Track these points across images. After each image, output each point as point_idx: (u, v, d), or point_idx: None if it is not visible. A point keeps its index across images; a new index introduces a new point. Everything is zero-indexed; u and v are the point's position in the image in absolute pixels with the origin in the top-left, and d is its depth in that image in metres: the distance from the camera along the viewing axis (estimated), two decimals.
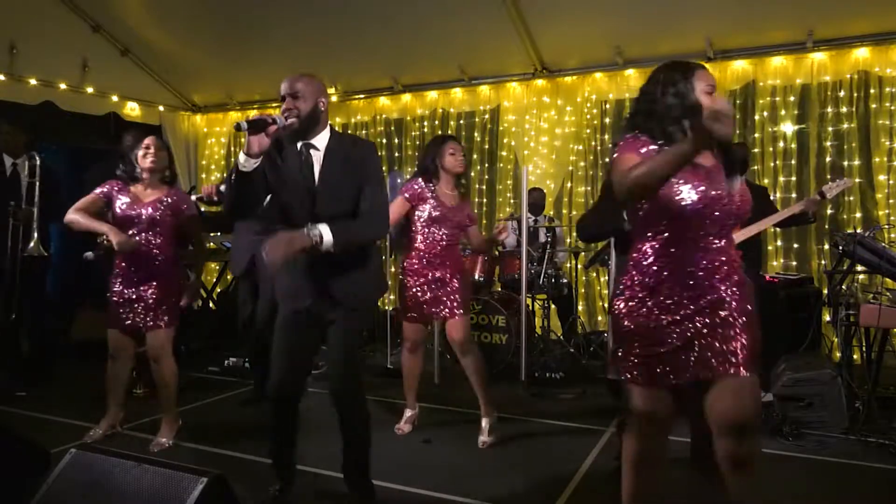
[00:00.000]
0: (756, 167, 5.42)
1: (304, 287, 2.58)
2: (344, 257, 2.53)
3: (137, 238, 3.42)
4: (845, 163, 5.21)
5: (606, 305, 5.72)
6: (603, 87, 5.95)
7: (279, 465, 2.80)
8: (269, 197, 2.58)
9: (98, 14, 5.98)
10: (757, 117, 5.47)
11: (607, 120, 6.07)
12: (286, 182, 2.52)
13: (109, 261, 3.60)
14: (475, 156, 6.53)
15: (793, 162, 5.42)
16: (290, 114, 2.46)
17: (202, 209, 4.71)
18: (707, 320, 2.01)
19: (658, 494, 2.21)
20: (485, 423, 3.63)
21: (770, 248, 5.45)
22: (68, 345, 5.25)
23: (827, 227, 5.28)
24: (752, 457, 2.05)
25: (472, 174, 6.40)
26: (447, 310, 3.61)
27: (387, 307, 6.30)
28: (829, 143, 5.27)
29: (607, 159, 5.99)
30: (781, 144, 5.39)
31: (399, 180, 6.86)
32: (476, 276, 5.07)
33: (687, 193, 1.97)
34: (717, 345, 2.00)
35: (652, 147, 2.02)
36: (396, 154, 6.91)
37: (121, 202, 3.44)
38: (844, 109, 5.20)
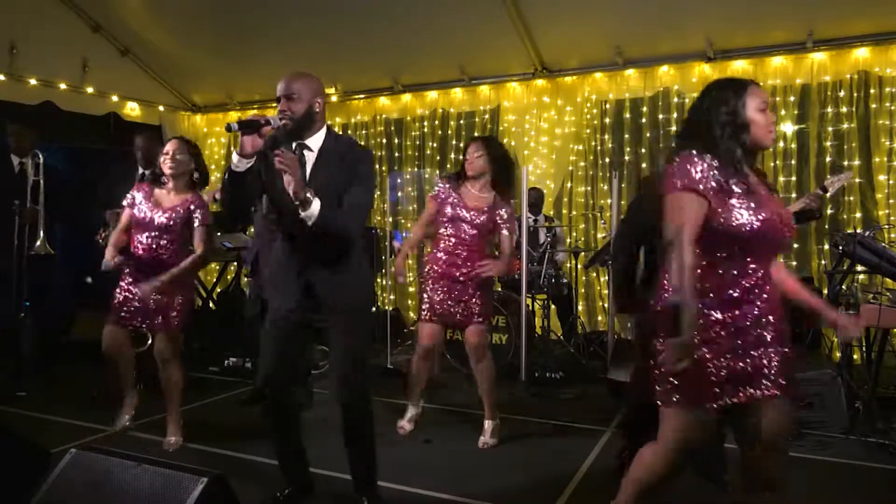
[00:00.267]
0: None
1: (290, 287, 2.59)
2: (331, 259, 2.53)
3: (150, 242, 3.45)
4: (845, 163, 5.20)
5: (607, 306, 5.72)
6: (603, 87, 5.95)
7: (284, 467, 2.80)
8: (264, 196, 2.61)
9: (98, 14, 5.98)
10: None
11: (607, 120, 6.07)
12: (278, 182, 2.53)
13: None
14: None
15: (793, 162, 5.42)
16: (284, 115, 2.48)
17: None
18: (748, 343, 1.98)
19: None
20: (487, 424, 3.63)
21: None
22: (68, 345, 5.25)
23: (827, 227, 5.28)
24: (782, 477, 2.06)
25: None
26: (465, 315, 3.57)
27: (387, 307, 6.31)
28: (829, 143, 5.27)
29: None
30: (781, 144, 5.39)
31: (399, 180, 6.89)
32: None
33: (747, 219, 1.93)
34: (753, 369, 1.98)
35: (705, 164, 1.93)
36: (396, 154, 6.90)
37: (140, 205, 3.48)
38: (844, 109, 5.20)
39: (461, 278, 3.57)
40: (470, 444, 3.56)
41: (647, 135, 5.86)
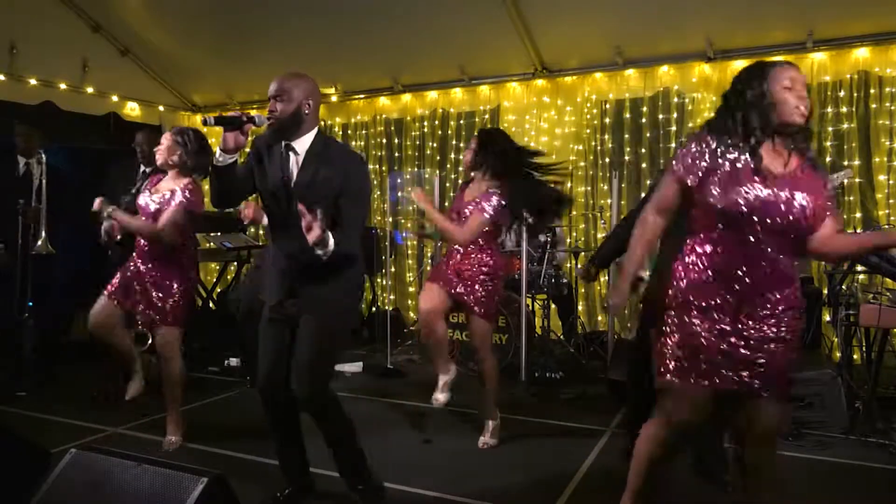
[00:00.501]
0: None
1: (278, 285, 2.61)
2: (316, 262, 2.49)
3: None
4: (845, 163, 5.20)
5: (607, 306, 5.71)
6: (603, 87, 5.94)
7: (284, 467, 2.79)
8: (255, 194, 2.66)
9: (98, 14, 5.98)
10: None
11: (607, 120, 6.06)
12: (267, 181, 2.57)
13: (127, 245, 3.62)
14: None
15: None
16: (271, 115, 2.50)
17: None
18: (748, 328, 2.00)
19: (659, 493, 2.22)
20: (488, 424, 3.62)
21: None
22: (68, 345, 5.25)
23: None
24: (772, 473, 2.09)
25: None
26: (467, 296, 3.48)
27: (387, 307, 6.31)
28: (829, 143, 5.26)
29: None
30: None
31: (399, 180, 6.89)
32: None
33: (720, 197, 1.96)
34: (748, 360, 2.00)
35: (701, 146, 2.02)
36: (396, 154, 6.90)
37: (144, 194, 3.51)
38: (844, 109, 5.20)
39: (465, 270, 3.51)
40: (469, 444, 3.56)
41: (647, 135, 5.86)
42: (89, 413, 3.92)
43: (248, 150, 2.65)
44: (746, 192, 1.94)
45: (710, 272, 2.02)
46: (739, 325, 2.00)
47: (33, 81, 5.81)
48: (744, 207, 1.94)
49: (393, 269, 6.78)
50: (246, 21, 5.81)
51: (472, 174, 3.60)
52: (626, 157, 5.94)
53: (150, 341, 3.74)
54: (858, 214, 5.15)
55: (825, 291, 4.64)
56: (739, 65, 5.39)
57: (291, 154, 2.55)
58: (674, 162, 2.08)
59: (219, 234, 5.97)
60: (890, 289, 3.77)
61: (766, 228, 1.96)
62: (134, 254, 3.51)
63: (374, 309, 6.45)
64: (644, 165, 5.87)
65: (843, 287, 3.96)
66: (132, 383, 3.61)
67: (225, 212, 4.48)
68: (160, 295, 3.42)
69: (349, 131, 7.07)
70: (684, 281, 2.07)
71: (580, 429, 3.86)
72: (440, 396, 3.59)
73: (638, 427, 2.29)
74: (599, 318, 6.12)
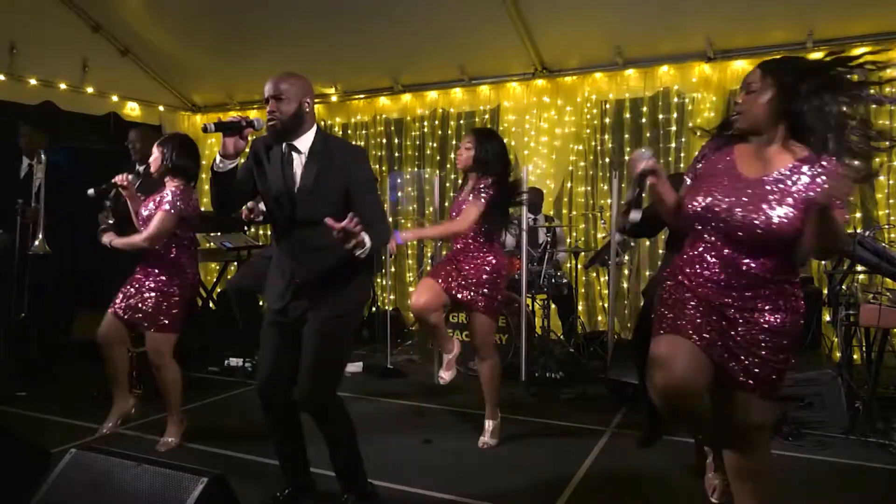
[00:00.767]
0: None
1: (280, 289, 2.59)
2: (327, 261, 2.52)
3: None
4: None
5: (606, 306, 5.72)
6: (603, 87, 5.95)
7: (284, 467, 2.79)
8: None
9: (98, 14, 5.98)
10: None
11: (607, 120, 6.07)
12: (270, 183, 2.54)
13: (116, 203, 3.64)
14: None
15: None
16: (273, 116, 2.47)
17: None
18: (734, 328, 2.04)
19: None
20: (488, 424, 3.61)
21: None
22: (68, 345, 5.25)
23: None
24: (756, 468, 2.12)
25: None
26: (464, 292, 3.47)
27: (387, 307, 6.31)
28: None
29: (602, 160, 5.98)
30: None
31: (399, 180, 6.89)
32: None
33: (698, 200, 2.06)
34: (734, 349, 2.03)
35: (705, 148, 2.18)
36: (396, 154, 6.90)
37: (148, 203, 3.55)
38: (844, 109, 5.19)
39: (466, 267, 3.50)
40: (469, 444, 3.56)
41: (647, 135, 5.86)
42: (89, 413, 3.91)
43: (247, 150, 2.65)
44: (703, 196, 2.04)
45: (697, 267, 2.09)
46: (724, 323, 2.05)
47: (33, 81, 5.81)
48: (698, 209, 2.04)
49: (393, 269, 6.78)
50: (246, 21, 5.81)
51: (461, 170, 3.63)
52: (626, 157, 5.94)
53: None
54: (858, 214, 5.15)
55: (825, 291, 4.64)
56: (739, 65, 5.42)
57: (295, 154, 2.54)
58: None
59: (219, 234, 5.97)
60: (890, 289, 3.78)
61: (721, 232, 2.02)
62: (138, 271, 3.53)
63: (374, 309, 6.45)
64: None
65: (843, 287, 3.96)
66: (112, 413, 3.65)
67: None
68: (155, 297, 3.43)
69: (349, 131, 7.07)
70: (679, 271, 2.16)
71: (580, 429, 3.86)
72: (445, 375, 3.58)
73: (655, 423, 2.33)
74: (599, 318, 6.13)
